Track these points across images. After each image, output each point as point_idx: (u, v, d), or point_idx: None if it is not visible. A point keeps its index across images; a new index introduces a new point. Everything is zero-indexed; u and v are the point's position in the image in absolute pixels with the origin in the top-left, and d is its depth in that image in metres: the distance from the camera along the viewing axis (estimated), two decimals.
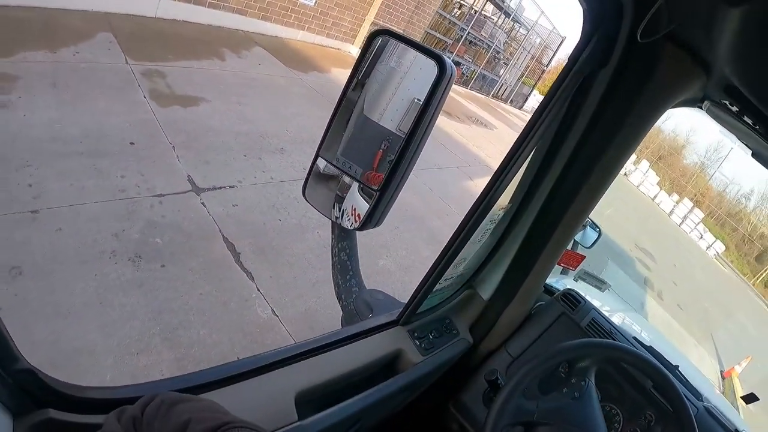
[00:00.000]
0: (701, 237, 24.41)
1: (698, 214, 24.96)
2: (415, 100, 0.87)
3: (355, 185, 0.97)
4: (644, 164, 26.11)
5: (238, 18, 7.06)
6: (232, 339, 2.39)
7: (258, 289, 2.77)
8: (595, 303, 1.46)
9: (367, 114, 0.91)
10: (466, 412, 1.26)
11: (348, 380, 0.95)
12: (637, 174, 25.73)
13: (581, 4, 0.78)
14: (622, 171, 1.14)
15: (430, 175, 5.92)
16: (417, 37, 10.76)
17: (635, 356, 1.07)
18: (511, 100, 18.25)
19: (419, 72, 0.87)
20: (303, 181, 0.99)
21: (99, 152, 3.15)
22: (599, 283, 3.46)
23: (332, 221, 1.05)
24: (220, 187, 3.46)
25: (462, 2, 13.35)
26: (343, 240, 1.11)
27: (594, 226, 2.58)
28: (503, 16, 15.44)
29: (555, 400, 1.05)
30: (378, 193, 0.91)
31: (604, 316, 1.41)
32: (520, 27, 16.89)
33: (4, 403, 0.56)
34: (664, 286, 10.89)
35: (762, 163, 0.98)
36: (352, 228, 1.01)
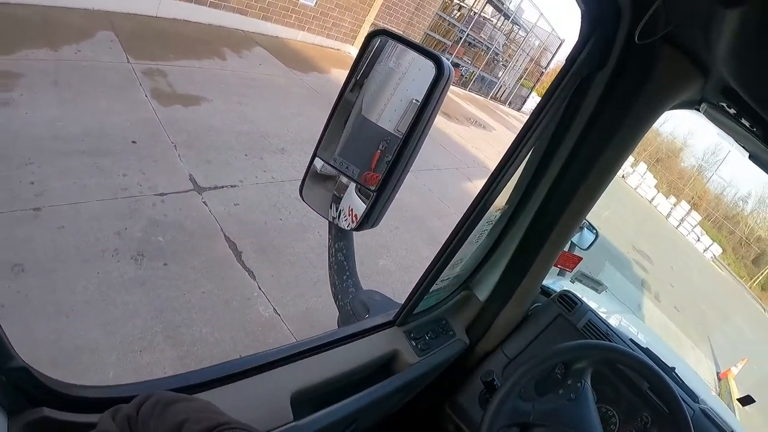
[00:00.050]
0: (698, 239, 24.50)
1: (695, 216, 25.07)
2: (414, 101, 0.87)
3: (353, 186, 0.97)
4: (642, 166, 26.21)
5: (238, 18, 7.07)
6: (234, 337, 2.39)
7: (260, 288, 2.78)
8: (592, 305, 1.46)
9: (365, 114, 0.91)
10: (462, 413, 1.25)
11: (344, 380, 0.94)
12: (634, 176, 25.82)
13: (579, 6, 0.78)
14: (620, 173, 1.14)
15: (430, 176, 5.94)
16: (416, 39, 10.78)
17: (631, 358, 1.07)
18: (510, 102, 18.28)
19: (417, 73, 0.87)
20: (294, 183, 1.00)
21: (101, 151, 3.15)
22: (596, 285, 3.48)
23: (329, 222, 1.05)
24: (222, 187, 3.47)
25: (461, 4, 13.38)
26: (340, 240, 1.11)
27: (591, 227, 2.58)
28: (503, 18, 15.48)
29: (551, 401, 1.05)
30: (375, 194, 0.91)
31: (600, 318, 1.41)
32: (519, 29, 16.92)
33: None
34: (661, 288, 10.93)
35: (759, 166, 0.98)
36: (349, 228, 1.01)
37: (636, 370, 1.09)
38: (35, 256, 2.30)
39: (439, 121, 8.08)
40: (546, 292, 1.48)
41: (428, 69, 0.84)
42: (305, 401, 0.84)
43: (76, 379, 1.91)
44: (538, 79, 19.55)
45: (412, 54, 0.88)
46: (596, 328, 1.35)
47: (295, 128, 5.01)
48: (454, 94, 12.28)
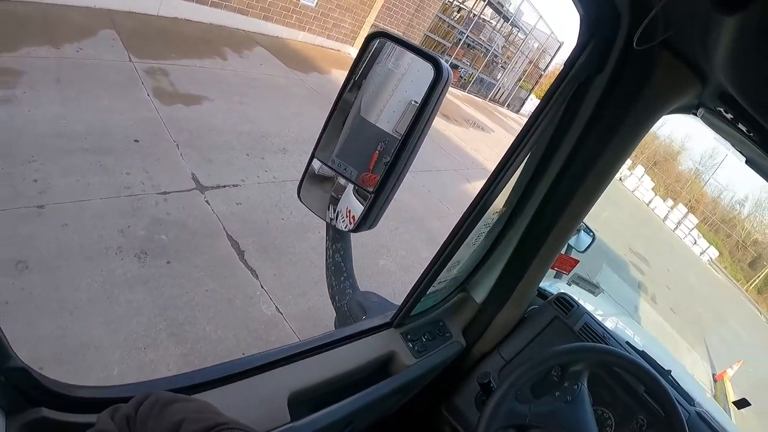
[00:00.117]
0: (695, 242, 24.57)
1: (692, 219, 25.13)
2: (412, 102, 0.87)
3: (350, 187, 0.96)
4: (639, 169, 26.27)
5: (239, 18, 7.08)
6: (238, 335, 2.41)
7: (262, 287, 2.80)
8: (588, 307, 1.46)
9: (364, 115, 0.91)
10: (458, 415, 1.26)
11: (341, 382, 0.94)
12: (632, 179, 25.88)
13: (578, 10, 0.79)
14: (617, 176, 1.15)
15: (429, 177, 5.95)
16: (416, 40, 10.81)
17: (628, 361, 1.08)
18: (508, 104, 18.32)
19: (416, 74, 0.87)
20: (296, 183, 1.00)
21: (104, 149, 3.16)
22: (592, 288, 3.49)
23: (327, 223, 1.05)
24: (224, 186, 3.49)
25: (461, 6, 13.43)
26: (338, 242, 1.11)
27: (588, 230, 2.59)
28: (502, 20, 15.52)
29: (547, 403, 1.05)
30: (373, 195, 0.91)
31: (596, 321, 1.41)
32: (518, 31, 16.97)
33: None
34: (658, 290, 10.98)
35: (756, 171, 0.98)
36: (346, 230, 1.01)
37: (632, 372, 1.09)
38: (39, 253, 2.31)
39: (439, 123, 8.10)
40: (543, 294, 1.47)
41: (427, 71, 0.84)
42: (302, 402, 0.85)
43: (81, 376, 1.92)
44: (537, 82, 19.60)
45: (411, 56, 0.88)
46: (593, 330, 1.35)
47: (296, 128, 5.02)
48: (453, 95, 12.31)
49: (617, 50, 0.86)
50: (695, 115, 0.95)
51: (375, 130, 0.90)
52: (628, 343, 1.43)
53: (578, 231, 2.57)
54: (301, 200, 1.02)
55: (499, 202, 1.05)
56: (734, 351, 10.40)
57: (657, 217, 24.94)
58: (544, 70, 19.47)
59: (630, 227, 16.37)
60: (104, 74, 4.05)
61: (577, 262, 2.77)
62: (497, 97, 17.47)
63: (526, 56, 17.99)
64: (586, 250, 2.61)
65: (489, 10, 14.67)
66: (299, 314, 2.75)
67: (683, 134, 31.82)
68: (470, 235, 1.00)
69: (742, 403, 2.03)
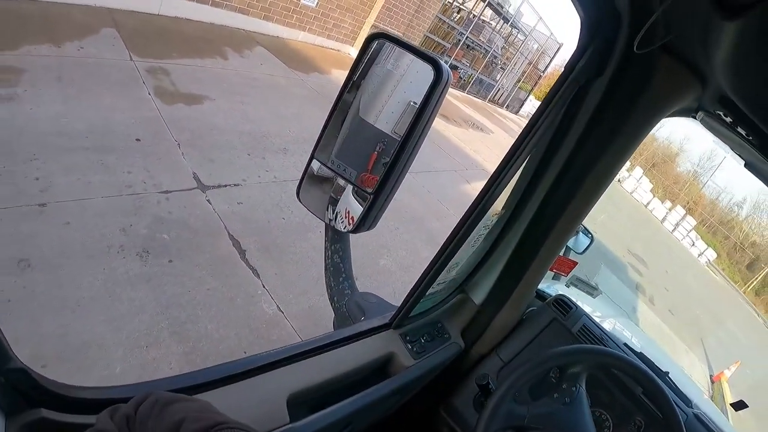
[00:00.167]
0: (693, 244, 24.60)
1: (690, 221, 25.15)
2: (411, 103, 0.87)
3: (350, 188, 0.96)
4: (638, 171, 26.29)
5: (240, 17, 7.08)
6: (239, 334, 2.42)
7: (263, 286, 2.81)
8: (586, 309, 1.46)
9: (363, 116, 0.91)
10: (456, 416, 1.26)
11: (340, 383, 0.94)
12: (630, 181, 25.91)
13: (579, 14, 0.79)
14: (616, 177, 1.15)
15: (429, 177, 5.97)
16: (416, 41, 10.83)
17: (626, 363, 1.08)
18: (508, 105, 18.34)
19: (416, 75, 0.87)
20: (297, 183, 1.00)
21: (105, 148, 3.16)
22: (591, 289, 3.50)
23: (326, 224, 1.04)
24: (225, 185, 3.49)
25: (461, 7, 13.45)
26: (337, 242, 1.11)
27: (586, 232, 2.58)
28: (502, 22, 15.54)
29: (546, 405, 1.05)
30: (372, 196, 0.91)
31: (595, 322, 1.41)
32: (518, 32, 17.00)
33: None
34: (656, 291, 10.99)
35: (754, 174, 0.98)
36: (345, 231, 1.01)
37: (630, 374, 1.09)
38: (41, 251, 2.31)
39: (438, 124, 8.12)
40: (541, 296, 1.47)
41: (426, 72, 0.84)
42: (302, 403, 0.85)
43: (84, 374, 1.92)
44: (536, 83, 19.64)
45: (411, 57, 0.88)
46: (591, 332, 1.35)
47: (297, 128, 5.03)
48: (453, 96, 12.33)
49: (617, 53, 0.86)
50: (695, 118, 0.95)
51: (374, 130, 0.90)
52: (626, 344, 1.43)
53: (577, 232, 2.57)
54: (300, 201, 1.01)
55: (499, 204, 1.05)
56: (732, 352, 10.42)
57: (655, 218, 24.97)
58: (543, 72, 19.51)
59: (628, 228, 16.39)
60: (105, 73, 4.05)
61: (575, 264, 2.76)
62: (496, 98, 17.50)
63: (526, 57, 18.03)
64: (584, 251, 2.61)
65: (489, 11, 14.70)
66: (300, 313, 2.75)
67: (682, 136, 31.88)
68: (470, 236, 1.01)
69: (739, 405, 2.04)
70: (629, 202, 23.41)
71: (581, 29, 0.81)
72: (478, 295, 1.27)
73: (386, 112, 0.90)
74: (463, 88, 14.59)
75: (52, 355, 1.93)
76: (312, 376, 0.89)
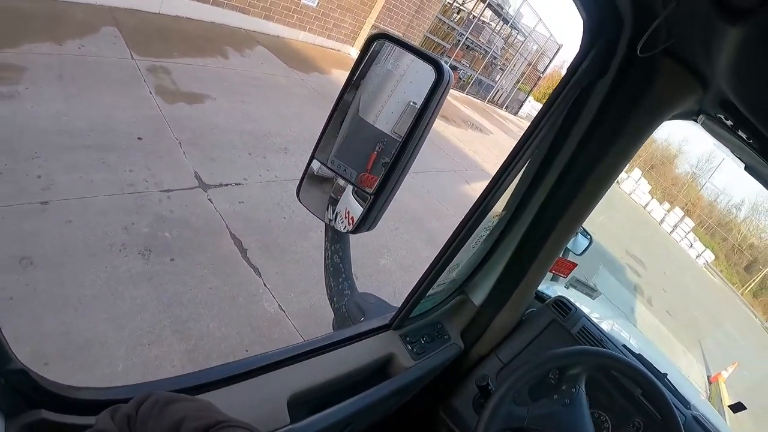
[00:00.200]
0: (691, 246, 24.66)
1: (689, 223, 25.21)
2: (411, 103, 0.87)
3: (350, 188, 0.96)
4: (636, 172, 26.36)
5: (240, 16, 7.09)
6: (241, 332, 2.42)
7: (265, 285, 2.81)
8: (584, 309, 1.47)
9: (362, 116, 0.91)
10: (456, 417, 1.26)
11: (341, 384, 0.95)
12: (629, 182, 25.97)
13: (582, 17, 0.79)
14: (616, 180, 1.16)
15: (428, 178, 5.98)
16: (416, 41, 10.83)
17: (625, 364, 1.08)
18: (507, 106, 18.37)
19: (416, 75, 0.87)
20: (297, 183, 1.00)
21: (106, 146, 3.17)
22: (590, 291, 3.51)
23: (326, 224, 1.04)
24: (227, 184, 3.50)
25: (461, 7, 13.47)
26: (336, 243, 1.11)
27: (585, 233, 2.59)
28: (501, 23, 15.57)
29: (545, 406, 1.05)
30: (372, 197, 0.90)
31: (594, 324, 1.41)
32: (517, 33, 17.03)
33: None
34: (654, 292, 11.01)
35: (754, 177, 0.98)
36: (345, 231, 1.00)
37: (629, 376, 1.09)
38: (43, 249, 2.31)
39: (438, 124, 8.13)
40: (541, 297, 1.47)
41: (427, 73, 0.84)
42: (302, 404, 0.85)
43: (86, 372, 1.92)
44: (535, 84, 19.67)
45: (411, 57, 0.87)
46: (590, 334, 1.35)
47: (297, 128, 5.03)
48: (452, 96, 12.35)
49: (620, 56, 0.87)
50: (695, 121, 0.96)
51: (373, 130, 0.90)
52: (624, 346, 1.43)
53: (575, 234, 2.58)
54: (300, 201, 1.01)
55: (500, 205, 1.05)
56: (729, 354, 10.45)
57: (653, 219, 25.02)
58: (543, 73, 19.54)
59: (626, 230, 16.43)
60: (106, 71, 4.05)
61: (575, 265, 2.77)
62: (496, 98, 17.52)
63: (525, 58, 18.06)
64: (583, 252, 2.62)
65: (489, 12, 14.72)
66: (301, 312, 2.76)
67: (680, 138, 31.99)
68: (471, 238, 1.01)
69: (738, 407, 2.04)
70: (627, 204, 23.46)
71: (584, 31, 0.81)
72: (478, 296, 1.28)
73: (386, 112, 0.90)
74: (462, 88, 14.61)
75: (54, 352, 1.93)
76: (313, 376, 0.89)
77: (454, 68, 13.52)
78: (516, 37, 17.25)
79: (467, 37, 13.67)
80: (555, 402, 1.05)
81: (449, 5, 12.73)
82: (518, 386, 1.03)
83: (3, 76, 3.27)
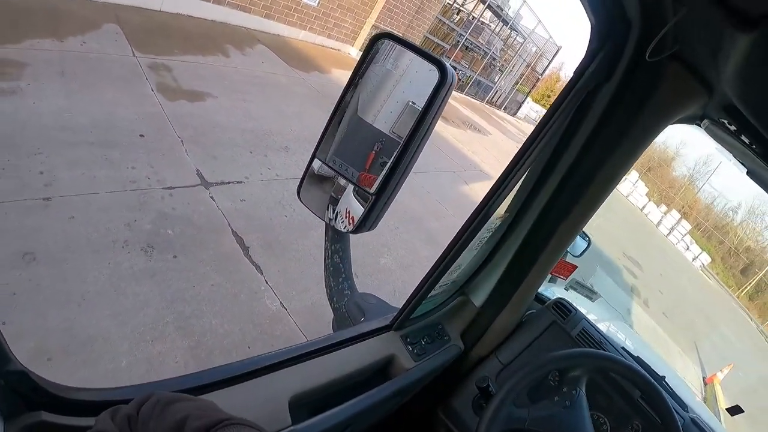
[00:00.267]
0: (687, 248, 24.76)
1: (685, 225, 25.32)
2: (410, 103, 0.86)
3: (350, 188, 0.95)
4: (634, 175, 26.45)
5: (241, 15, 7.09)
6: (243, 329, 2.43)
7: (267, 282, 2.82)
8: (582, 310, 1.47)
9: (361, 115, 0.90)
10: (455, 418, 1.25)
11: (342, 384, 0.94)
12: (626, 184, 26.04)
13: (590, 20, 0.78)
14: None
15: (428, 178, 6.00)
16: (416, 41, 10.85)
17: (625, 367, 1.08)
18: (505, 107, 18.42)
19: (416, 76, 0.86)
20: (298, 182, 1.00)
21: (109, 143, 3.17)
22: (590, 293, 3.53)
23: (326, 223, 1.03)
24: (228, 182, 3.51)
25: (461, 8, 13.51)
26: (337, 242, 1.09)
27: (584, 235, 2.59)
28: (501, 24, 15.61)
29: (546, 408, 1.05)
30: (374, 197, 0.90)
31: (594, 326, 1.41)
32: (517, 35, 17.07)
33: None
34: (651, 294, 11.06)
35: (756, 182, 0.98)
36: (345, 231, 0.99)
37: (629, 379, 1.10)
38: (46, 245, 2.31)
39: (437, 125, 8.12)
40: (540, 299, 1.47)
41: (427, 73, 0.83)
42: (303, 405, 0.85)
43: (90, 368, 1.93)
44: (534, 85, 19.74)
45: (411, 57, 0.87)
46: (590, 336, 1.35)
47: (298, 127, 5.04)
48: (452, 97, 12.23)
49: (626, 60, 0.87)
50: (699, 125, 0.96)
51: (372, 130, 0.90)
52: (623, 348, 1.43)
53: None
54: (300, 200, 1.01)
55: (502, 207, 1.05)
56: (725, 356, 10.51)
57: (650, 222, 25.11)
58: (541, 74, 19.60)
59: (624, 231, 16.49)
60: (108, 68, 4.05)
61: (575, 267, 2.78)
62: (494, 99, 17.56)
63: (524, 60, 18.10)
64: (581, 254, 2.62)
65: (488, 13, 14.76)
66: (303, 309, 2.77)
67: (678, 141, 32.11)
68: (473, 240, 1.00)
69: (735, 410, 2.05)
70: (625, 206, 23.53)
71: (591, 34, 0.81)
72: (479, 298, 1.27)
73: (385, 112, 0.89)
74: (461, 89, 14.64)
75: (57, 348, 1.94)
76: (314, 377, 0.89)
77: (453, 69, 13.54)
78: (515, 39, 17.30)
79: (467, 38, 13.70)
80: (555, 404, 1.06)
81: (449, 6, 12.77)
82: (519, 388, 1.04)
83: (5, 72, 3.27)
